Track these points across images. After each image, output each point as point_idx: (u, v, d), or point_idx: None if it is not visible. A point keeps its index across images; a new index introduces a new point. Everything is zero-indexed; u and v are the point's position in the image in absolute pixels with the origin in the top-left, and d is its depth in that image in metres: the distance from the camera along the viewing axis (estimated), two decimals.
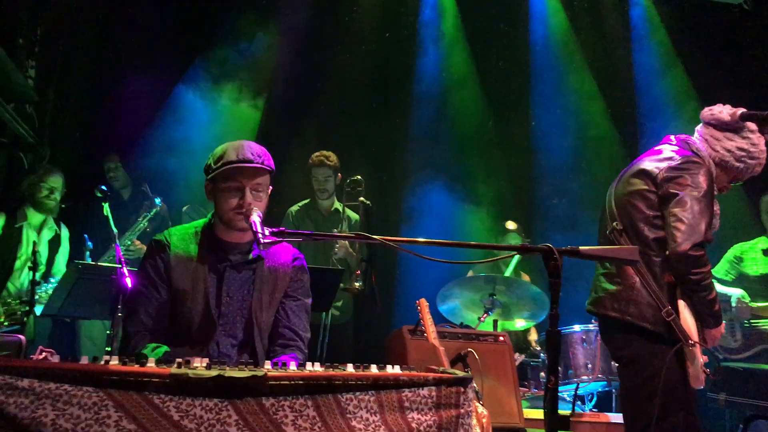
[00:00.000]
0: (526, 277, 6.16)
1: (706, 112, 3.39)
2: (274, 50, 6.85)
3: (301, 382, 2.01)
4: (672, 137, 3.41)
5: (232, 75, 6.65)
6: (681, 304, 3.13)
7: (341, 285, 4.82)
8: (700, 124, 3.42)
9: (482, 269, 5.93)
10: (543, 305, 5.26)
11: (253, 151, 2.83)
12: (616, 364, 4.85)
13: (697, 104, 6.81)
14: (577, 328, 5.09)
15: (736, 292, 5.61)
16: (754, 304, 5.54)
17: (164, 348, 2.72)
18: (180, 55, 6.52)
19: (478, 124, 7.46)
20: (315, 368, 2.13)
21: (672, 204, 3.13)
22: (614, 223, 3.29)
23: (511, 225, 6.24)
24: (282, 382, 1.99)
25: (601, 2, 7.57)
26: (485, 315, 5.16)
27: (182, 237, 2.94)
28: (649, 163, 3.28)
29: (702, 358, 3.14)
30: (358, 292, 4.89)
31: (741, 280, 5.70)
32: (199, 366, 2.01)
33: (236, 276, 2.90)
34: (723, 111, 3.34)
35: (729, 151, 3.28)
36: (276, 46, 6.86)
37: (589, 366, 4.94)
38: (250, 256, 2.93)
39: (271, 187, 2.94)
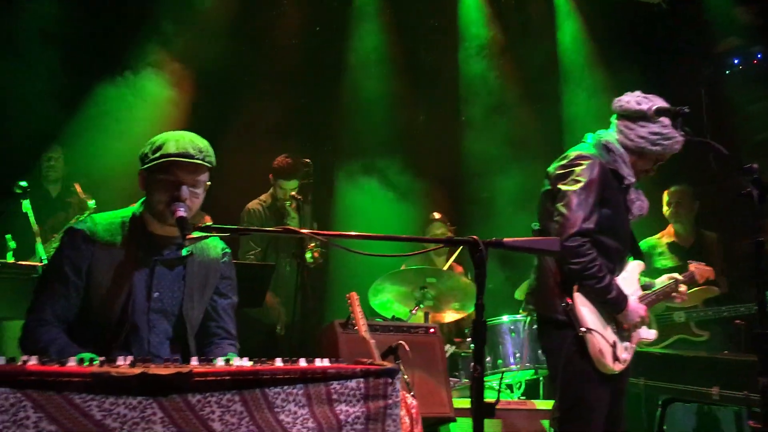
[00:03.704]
0: (458, 269, 6.24)
1: (616, 104, 3.53)
2: (199, 42, 6.73)
3: (227, 377, 2.00)
4: (587, 135, 3.58)
5: (157, 68, 6.48)
6: (576, 294, 3.30)
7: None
8: (614, 116, 3.56)
9: (415, 262, 5.98)
10: (473, 296, 5.32)
11: (195, 145, 2.70)
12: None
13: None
14: (505, 318, 5.19)
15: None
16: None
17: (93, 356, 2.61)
18: (100, 50, 6.33)
19: (408, 118, 7.53)
20: (242, 363, 2.12)
21: (557, 199, 3.35)
22: (533, 224, 3.52)
23: (436, 215, 6.33)
24: (208, 378, 1.97)
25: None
26: (416, 308, 5.21)
27: (108, 227, 2.76)
28: (551, 165, 3.51)
29: (605, 344, 3.25)
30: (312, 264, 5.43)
31: (652, 273, 5.89)
32: (123, 364, 1.98)
33: (167, 272, 2.80)
34: (630, 100, 3.47)
35: (643, 137, 3.41)
36: (201, 38, 6.74)
37: (517, 355, 5.05)
38: (184, 251, 2.83)
39: (209, 183, 2.84)
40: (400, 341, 3.74)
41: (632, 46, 7.52)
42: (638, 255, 3.68)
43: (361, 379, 2.16)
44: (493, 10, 7.63)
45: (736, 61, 7.54)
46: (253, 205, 5.90)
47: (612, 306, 3.35)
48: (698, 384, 4.06)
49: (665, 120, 3.40)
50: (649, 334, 3.51)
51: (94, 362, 1.98)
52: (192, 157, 2.68)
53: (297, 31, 7.19)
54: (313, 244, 5.57)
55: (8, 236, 4.93)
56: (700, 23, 7.47)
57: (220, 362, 2.11)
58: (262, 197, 5.95)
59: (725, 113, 7.43)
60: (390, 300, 5.40)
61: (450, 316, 5.60)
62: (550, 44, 7.69)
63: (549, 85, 7.61)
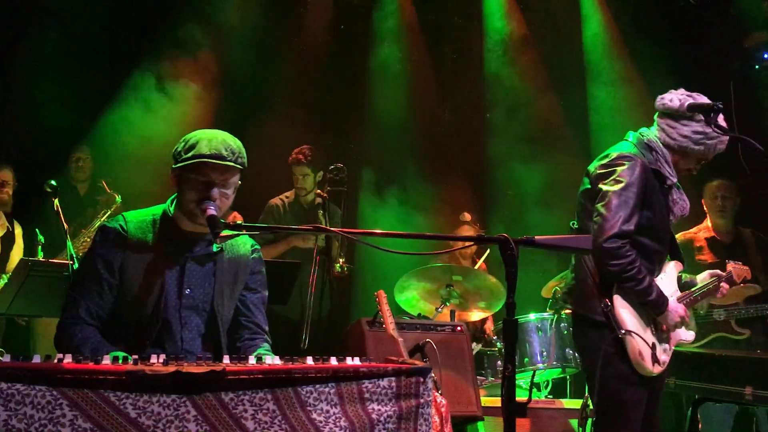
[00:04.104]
0: (483, 267, 6.21)
1: (659, 101, 3.44)
2: (223, 44, 6.78)
3: (260, 375, 2.00)
4: (630, 133, 3.51)
5: (181, 70, 6.55)
6: (615, 296, 3.27)
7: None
8: (657, 113, 3.47)
9: (441, 262, 5.95)
10: (499, 295, 5.31)
11: (227, 146, 2.71)
12: (571, 351, 4.99)
13: (643, 92, 6.98)
14: (532, 316, 5.15)
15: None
16: None
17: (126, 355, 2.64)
18: (125, 53, 6.42)
19: (432, 115, 7.51)
20: (274, 362, 2.13)
21: (597, 199, 3.30)
22: (571, 222, 3.48)
23: (467, 215, 6.29)
24: (241, 377, 1.98)
25: None
26: (442, 306, 5.19)
27: (139, 225, 2.78)
28: (592, 164, 3.46)
29: (644, 346, 3.22)
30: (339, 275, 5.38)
31: (689, 267, 5.72)
32: (156, 362, 1.99)
33: (198, 269, 2.81)
34: (673, 98, 3.38)
35: (686, 137, 3.33)
36: (225, 40, 6.79)
37: (545, 354, 5.01)
38: (214, 247, 2.84)
39: (239, 182, 2.85)
40: (428, 339, 3.74)
41: (659, 40, 7.42)
42: (677, 255, 3.62)
43: (393, 378, 2.15)
44: (517, 3, 7.56)
45: (765, 56, 7.40)
46: (274, 200, 5.91)
47: (652, 308, 3.30)
48: (730, 383, 3.97)
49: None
50: (687, 335, 3.46)
51: (128, 360, 2.00)
52: (224, 158, 2.69)
53: (320, 32, 7.20)
54: (342, 259, 5.53)
55: (37, 230, 5.02)
56: (728, 17, 7.35)
57: (252, 360, 2.12)
58: (287, 193, 5.95)
59: (755, 108, 7.31)
60: (415, 297, 5.38)
61: (476, 315, 5.57)
62: (575, 38, 7.61)
63: (574, 79, 7.54)
